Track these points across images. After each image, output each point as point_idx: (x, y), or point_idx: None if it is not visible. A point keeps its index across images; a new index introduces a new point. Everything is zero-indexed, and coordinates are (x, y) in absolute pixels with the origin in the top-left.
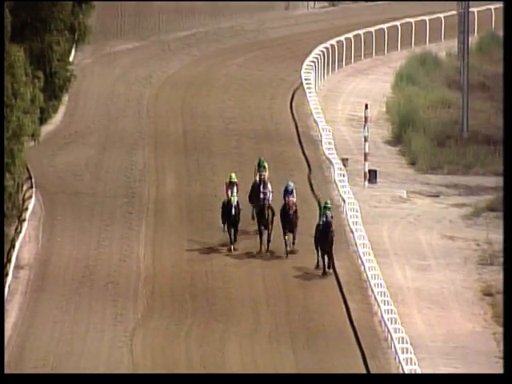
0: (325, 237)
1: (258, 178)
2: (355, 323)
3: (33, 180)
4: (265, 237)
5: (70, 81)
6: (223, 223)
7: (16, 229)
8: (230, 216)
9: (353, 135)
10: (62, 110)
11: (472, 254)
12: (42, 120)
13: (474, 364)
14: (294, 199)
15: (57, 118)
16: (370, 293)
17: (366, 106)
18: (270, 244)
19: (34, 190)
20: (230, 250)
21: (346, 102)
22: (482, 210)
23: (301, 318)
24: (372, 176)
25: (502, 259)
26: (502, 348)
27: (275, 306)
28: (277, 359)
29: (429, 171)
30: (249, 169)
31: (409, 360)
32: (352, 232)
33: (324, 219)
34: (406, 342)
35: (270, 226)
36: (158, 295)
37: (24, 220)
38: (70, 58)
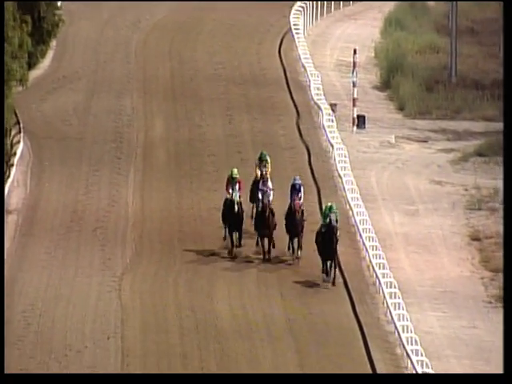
0: (327, 243)
1: (259, 174)
2: (343, 268)
3: (21, 125)
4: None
5: (58, 25)
6: (224, 225)
7: (4, 174)
8: (232, 215)
9: (341, 80)
10: (49, 54)
11: (460, 198)
12: (30, 65)
13: (461, 308)
14: (301, 199)
15: (45, 63)
16: (359, 238)
17: (355, 51)
18: (272, 252)
19: (22, 135)
20: (230, 253)
21: (334, 47)
22: (470, 154)
23: (289, 262)
24: (360, 121)
25: (490, 204)
26: (489, 293)
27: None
28: (265, 303)
29: (417, 116)
30: (237, 114)
31: (397, 305)
32: (340, 177)
33: (327, 222)
34: (394, 287)
35: (271, 232)
36: (147, 240)
37: (12, 165)
38: (58, 3)
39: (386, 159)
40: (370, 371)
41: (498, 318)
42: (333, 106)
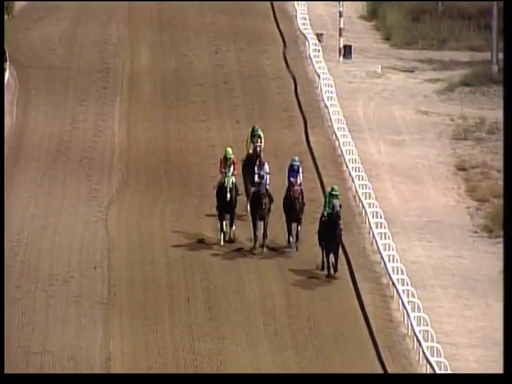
0: (331, 232)
1: (251, 150)
2: None
3: (7, 54)
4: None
5: None
6: (217, 208)
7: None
8: (224, 202)
9: (328, 10)
10: None
11: (446, 128)
12: None
13: (447, 238)
14: (300, 180)
15: None
16: (345, 168)
17: None
18: (267, 239)
19: (8, 64)
20: (222, 240)
21: None
22: (457, 84)
23: (276, 192)
24: (347, 51)
25: (476, 134)
26: (475, 222)
27: None
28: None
29: (403, 46)
30: (224, 44)
31: (383, 235)
32: (327, 107)
33: (330, 210)
34: (381, 217)
35: (267, 217)
36: (133, 170)
37: None
38: None
39: (373, 89)
40: (355, 301)
41: (483, 247)
42: (319, 36)
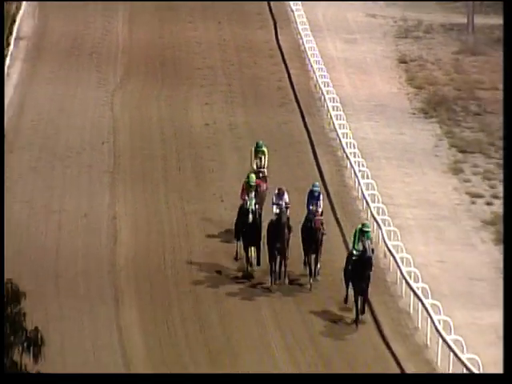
0: (360, 273)
1: (255, 167)
2: (295, 87)
3: None
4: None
5: None
6: (237, 237)
7: (16, 6)
8: (246, 225)
9: None
10: None
11: (390, 29)
12: None
13: (391, 119)
14: (321, 208)
15: None
16: (307, 61)
17: None
18: (286, 276)
19: None
20: (245, 277)
21: None
22: None
23: (251, 81)
24: None
25: (414, 33)
26: (413, 106)
27: (230, 71)
28: (230, 116)
29: None
30: None
31: (338, 116)
32: (292, 12)
33: (360, 249)
34: (337, 102)
35: (287, 251)
36: (134, 63)
37: None
38: None
39: None
40: (316, 172)
41: (420, 126)
42: None
